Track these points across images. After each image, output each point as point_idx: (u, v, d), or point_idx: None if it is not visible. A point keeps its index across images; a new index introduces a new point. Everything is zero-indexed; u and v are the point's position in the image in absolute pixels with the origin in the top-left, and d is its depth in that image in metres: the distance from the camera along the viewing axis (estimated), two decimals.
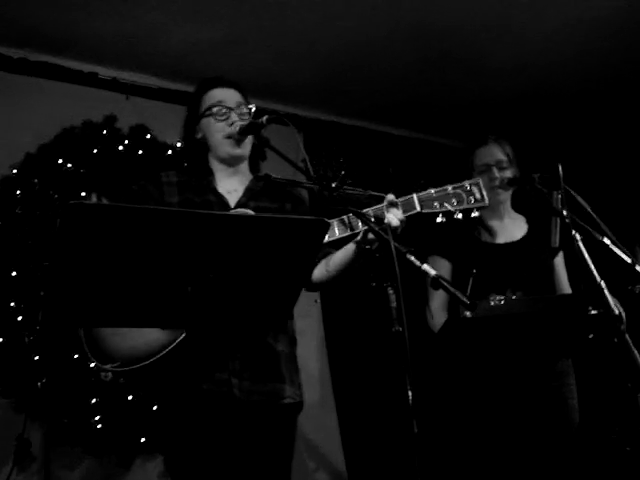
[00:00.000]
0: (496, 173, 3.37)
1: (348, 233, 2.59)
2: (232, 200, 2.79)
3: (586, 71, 5.58)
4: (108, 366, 2.47)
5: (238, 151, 2.79)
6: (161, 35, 4.69)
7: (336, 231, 2.58)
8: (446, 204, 2.55)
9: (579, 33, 5.06)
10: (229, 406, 2.55)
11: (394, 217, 2.46)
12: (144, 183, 2.79)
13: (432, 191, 2.59)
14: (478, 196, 2.58)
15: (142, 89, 5.05)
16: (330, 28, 4.79)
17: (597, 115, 6.26)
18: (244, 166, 2.89)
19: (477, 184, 2.60)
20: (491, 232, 3.41)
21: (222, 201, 2.77)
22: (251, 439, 2.61)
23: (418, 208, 2.57)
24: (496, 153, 3.41)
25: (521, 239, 3.42)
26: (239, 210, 2.71)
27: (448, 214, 2.55)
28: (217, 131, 2.78)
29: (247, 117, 2.80)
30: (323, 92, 5.64)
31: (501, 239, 3.41)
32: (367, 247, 2.55)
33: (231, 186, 2.83)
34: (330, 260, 2.71)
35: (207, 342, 2.50)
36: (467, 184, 2.59)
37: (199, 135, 2.85)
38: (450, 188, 2.58)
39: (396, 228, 2.45)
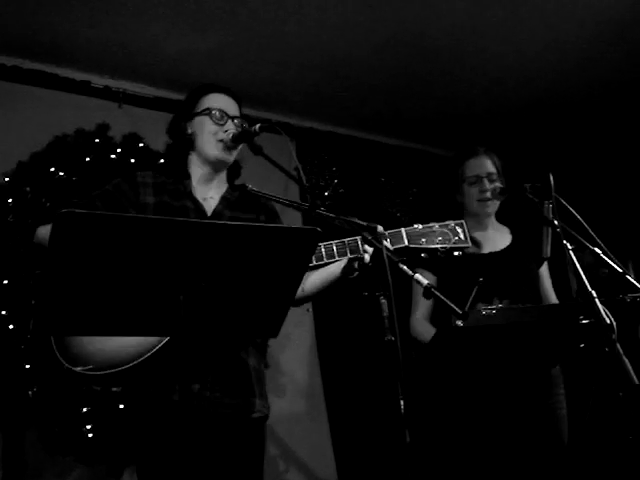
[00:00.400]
0: (487, 185, 3.38)
1: (335, 259, 2.64)
2: (208, 208, 2.79)
3: (587, 80, 5.62)
4: (79, 369, 2.46)
5: (226, 157, 2.79)
6: (158, 44, 4.70)
7: (323, 253, 2.62)
8: (431, 242, 2.69)
9: (581, 42, 5.09)
10: (199, 418, 2.53)
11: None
12: (119, 182, 2.78)
13: (419, 227, 2.72)
14: (462, 237, 2.72)
15: (135, 98, 5.06)
16: (328, 38, 4.81)
17: (593, 125, 6.29)
18: (223, 174, 2.89)
19: (461, 224, 2.74)
20: (476, 243, 3.41)
21: (199, 208, 2.77)
22: (220, 451, 2.59)
23: (406, 242, 2.68)
24: (487, 165, 3.42)
25: (505, 249, 3.44)
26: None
27: (432, 251, 2.69)
28: (210, 132, 2.77)
29: (240, 129, 2.80)
30: (317, 101, 5.66)
31: (485, 249, 3.42)
32: (350, 276, 2.65)
33: (207, 193, 2.83)
34: (307, 280, 2.74)
35: (181, 353, 2.50)
36: (452, 223, 2.73)
37: (189, 131, 2.83)
38: (437, 226, 2.72)
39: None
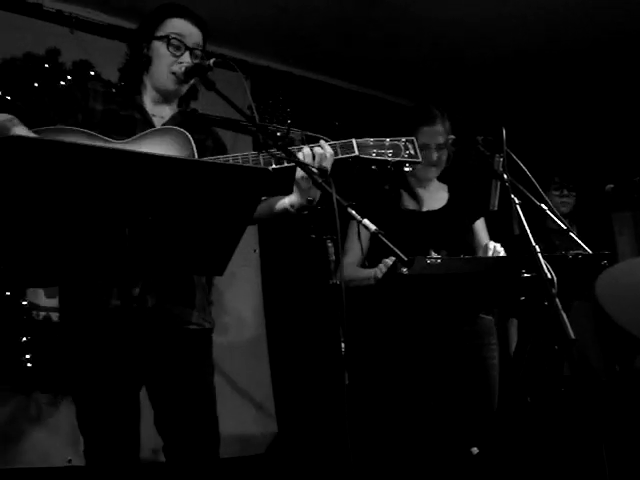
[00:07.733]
0: (434, 155, 3.42)
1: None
2: (157, 123, 2.74)
3: (543, 34, 5.62)
4: None
5: (178, 89, 2.75)
6: None
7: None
8: (382, 154, 2.69)
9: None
10: (135, 324, 2.53)
11: (328, 148, 2.63)
12: (70, 85, 2.72)
13: (370, 139, 2.72)
14: (412, 152, 2.72)
15: (88, 24, 4.91)
16: None
17: (549, 80, 6.33)
18: (175, 100, 2.85)
19: (412, 141, 2.75)
20: (416, 199, 3.49)
21: (146, 119, 2.72)
22: (157, 359, 2.61)
23: (356, 152, 2.68)
24: (438, 135, 3.44)
25: (442, 208, 3.53)
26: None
27: (382, 163, 2.68)
28: (165, 63, 2.69)
29: (197, 60, 2.72)
30: (275, 39, 5.57)
31: (424, 207, 3.50)
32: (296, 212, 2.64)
33: (157, 111, 2.79)
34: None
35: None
36: (404, 139, 2.75)
37: (146, 52, 2.75)
38: (388, 140, 2.73)
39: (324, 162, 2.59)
